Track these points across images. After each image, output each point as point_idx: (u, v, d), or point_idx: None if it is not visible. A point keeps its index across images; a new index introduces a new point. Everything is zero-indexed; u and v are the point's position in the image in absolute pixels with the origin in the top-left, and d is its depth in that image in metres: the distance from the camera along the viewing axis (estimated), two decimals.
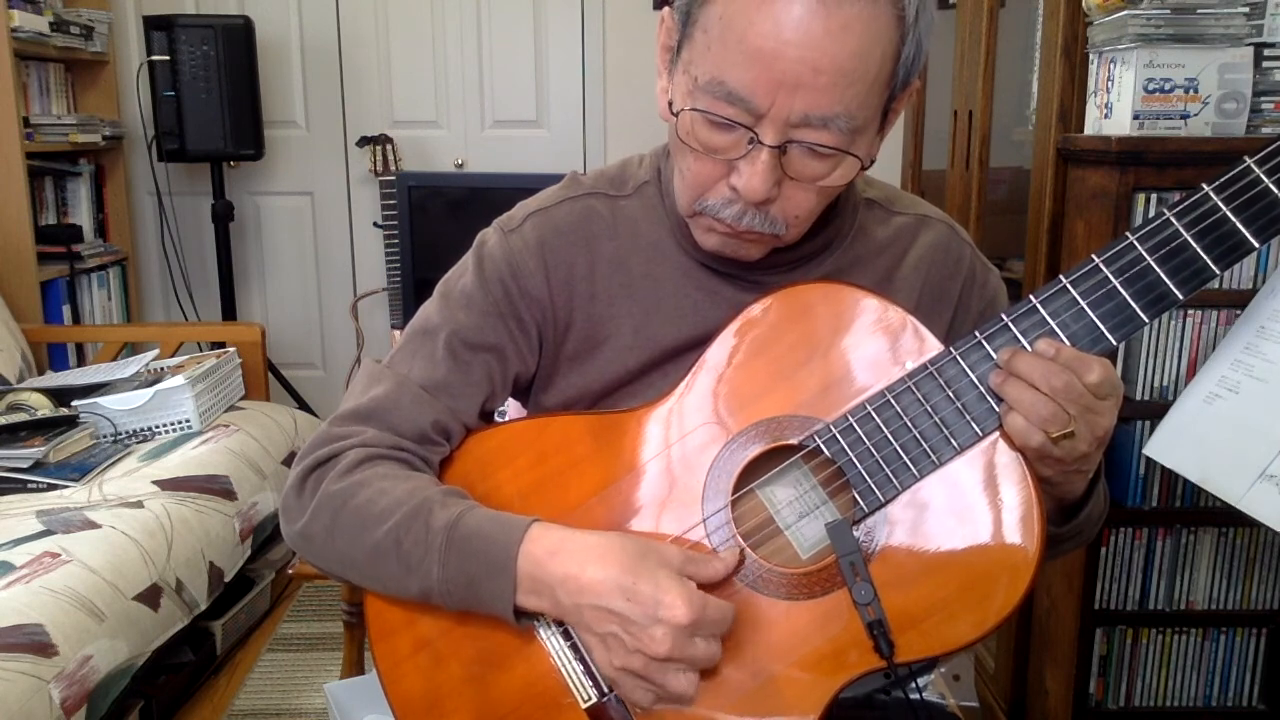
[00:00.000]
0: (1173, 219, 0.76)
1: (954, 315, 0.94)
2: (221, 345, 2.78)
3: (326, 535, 0.85)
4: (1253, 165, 0.75)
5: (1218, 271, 0.76)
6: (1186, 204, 0.76)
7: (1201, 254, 0.76)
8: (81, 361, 2.93)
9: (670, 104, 0.82)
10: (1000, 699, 1.95)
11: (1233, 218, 0.75)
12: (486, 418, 0.94)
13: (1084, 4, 1.62)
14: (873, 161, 0.82)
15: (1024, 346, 0.79)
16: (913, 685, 0.88)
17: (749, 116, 0.76)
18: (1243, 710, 1.71)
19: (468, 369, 0.90)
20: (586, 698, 0.82)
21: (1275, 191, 0.75)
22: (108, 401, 2.34)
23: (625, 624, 0.76)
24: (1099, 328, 0.77)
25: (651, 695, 0.79)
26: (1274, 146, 0.75)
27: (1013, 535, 0.79)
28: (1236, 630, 1.69)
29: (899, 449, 0.80)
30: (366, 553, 0.84)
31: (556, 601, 0.79)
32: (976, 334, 0.80)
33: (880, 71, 0.76)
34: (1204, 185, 0.76)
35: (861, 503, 0.81)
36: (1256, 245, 0.75)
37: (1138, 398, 1.56)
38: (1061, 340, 0.78)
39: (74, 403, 2.32)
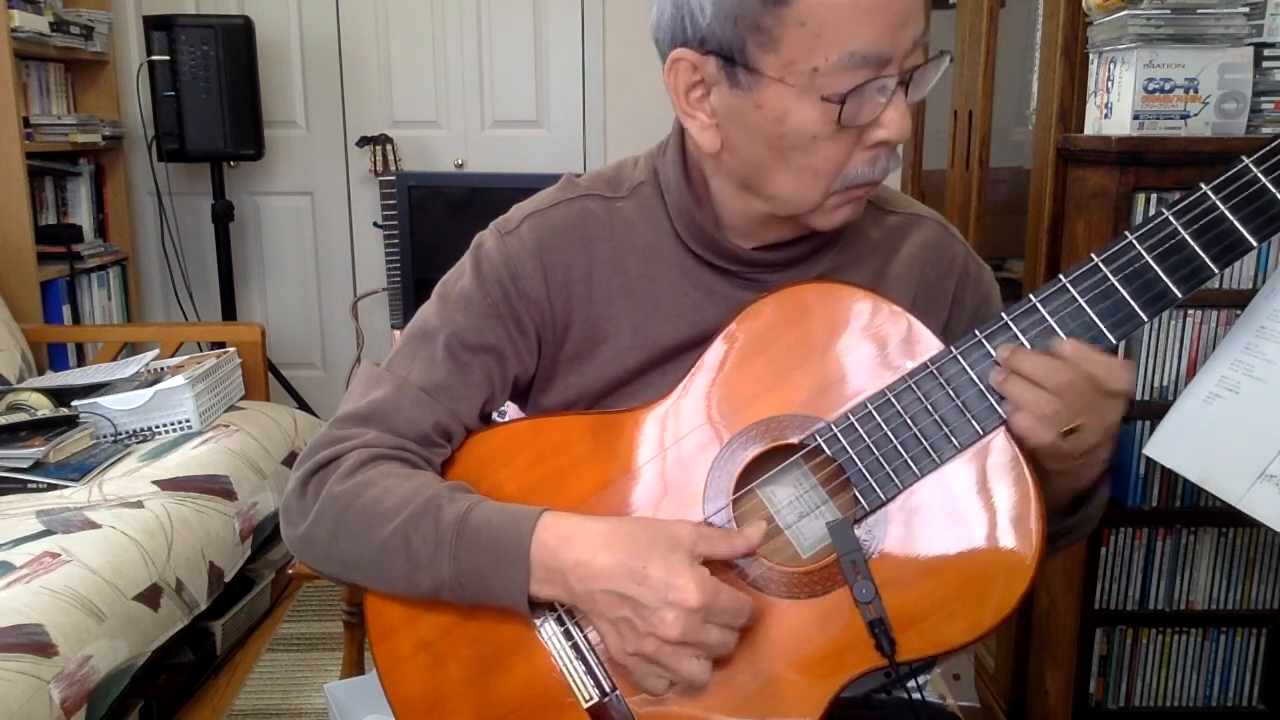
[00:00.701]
0: (1171, 218, 0.77)
1: (949, 313, 0.95)
2: (221, 345, 2.78)
3: (331, 537, 0.85)
4: (1250, 165, 0.75)
5: (1216, 270, 0.77)
6: (1185, 203, 0.77)
7: (1200, 253, 0.76)
8: (81, 361, 2.93)
9: (826, 99, 0.78)
10: (1000, 699, 1.95)
11: (1231, 217, 0.76)
12: (485, 420, 0.94)
13: (1084, 4, 1.62)
14: (951, 57, 0.84)
15: (1024, 345, 0.79)
16: (912, 685, 0.88)
17: (878, 69, 0.77)
18: (1243, 710, 1.71)
19: (467, 371, 0.90)
20: (588, 697, 0.82)
21: (1273, 190, 0.75)
22: (108, 401, 2.34)
23: (636, 608, 0.76)
24: (1098, 326, 0.78)
25: (664, 681, 0.79)
26: (1271, 146, 0.75)
27: (1013, 534, 0.79)
28: (1236, 630, 1.68)
29: (900, 447, 0.80)
30: (373, 552, 0.84)
31: (569, 588, 0.79)
32: (976, 333, 0.80)
33: None
34: (1202, 184, 0.76)
35: (863, 501, 0.81)
36: (1255, 244, 0.76)
37: (1138, 398, 1.56)
38: (1060, 338, 0.78)
39: (74, 403, 2.32)
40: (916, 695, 0.88)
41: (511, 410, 1.05)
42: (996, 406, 0.79)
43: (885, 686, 0.91)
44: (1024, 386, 0.77)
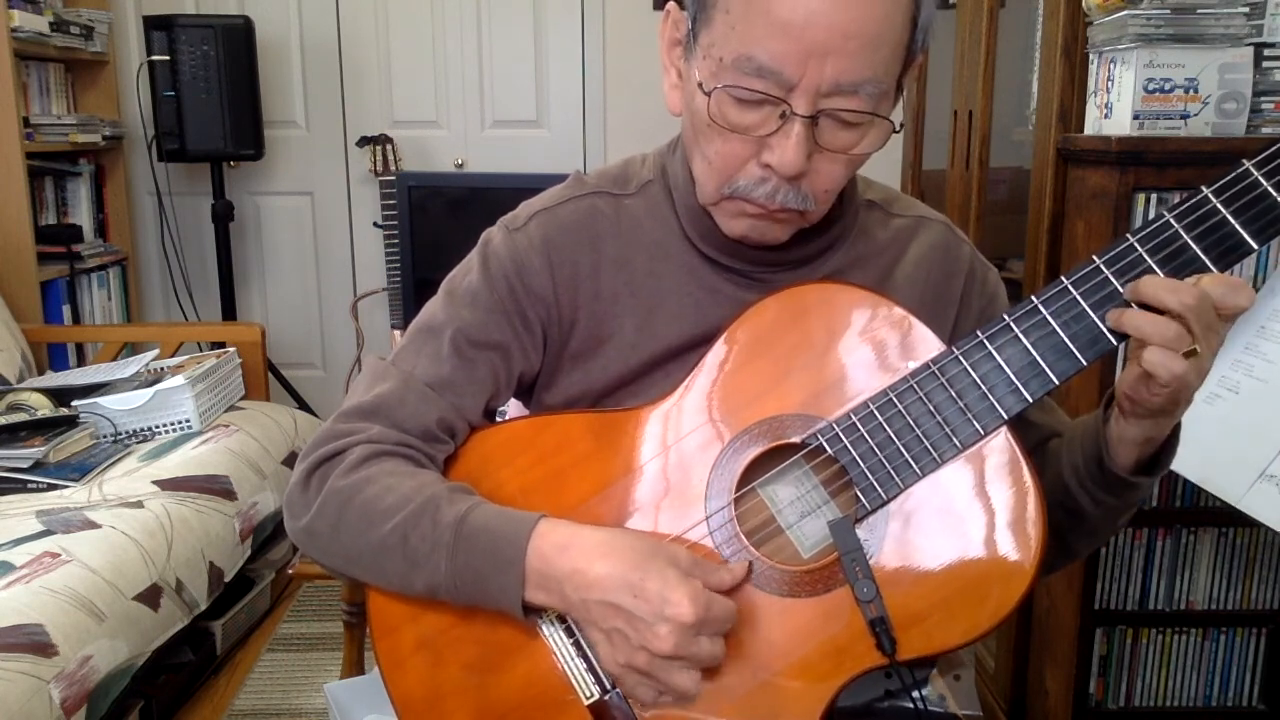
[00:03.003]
0: (1172, 220, 0.77)
1: (957, 314, 0.95)
2: (221, 345, 2.78)
3: (332, 531, 0.86)
4: (1251, 168, 0.76)
5: (1217, 273, 0.77)
6: (1186, 205, 0.77)
7: (1201, 255, 0.76)
8: (81, 361, 2.93)
9: (699, 86, 0.80)
10: (1000, 699, 1.95)
11: (1232, 220, 0.76)
12: (490, 416, 0.94)
13: (1084, 4, 1.62)
14: (903, 126, 0.83)
15: (1026, 347, 0.79)
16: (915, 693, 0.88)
17: (780, 89, 0.76)
18: (1243, 710, 1.72)
19: (472, 366, 0.90)
20: (589, 694, 0.82)
21: (1274, 194, 0.75)
22: (108, 401, 2.34)
23: (631, 620, 0.76)
24: (1099, 327, 0.78)
25: (655, 692, 0.79)
26: (1273, 150, 0.75)
27: (1014, 533, 0.79)
28: (1236, 630, 1.69)
29: (901, 447, 0.80)
30: (372, 548, 0.84)
31: (564, 596, 0.79)
32: (978, 333, 0.80)
33: (902, 35, 0.78)
34: (1203, 188, 0.77)
35: (864, 500, 0.81)
36: (1255, 247, 0.76)
37: None
38: (1066, 342, 0.78)
39: (74, 403, 2.32)
40: (919, 704, 0.88)
41: (512, 408, 1.05)
42: (998, 406, 0.79)
43: (886, 694, 0.91)
44: (1146, 318, 0.74)
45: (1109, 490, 0.85)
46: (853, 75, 0.76)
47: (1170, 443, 0.84)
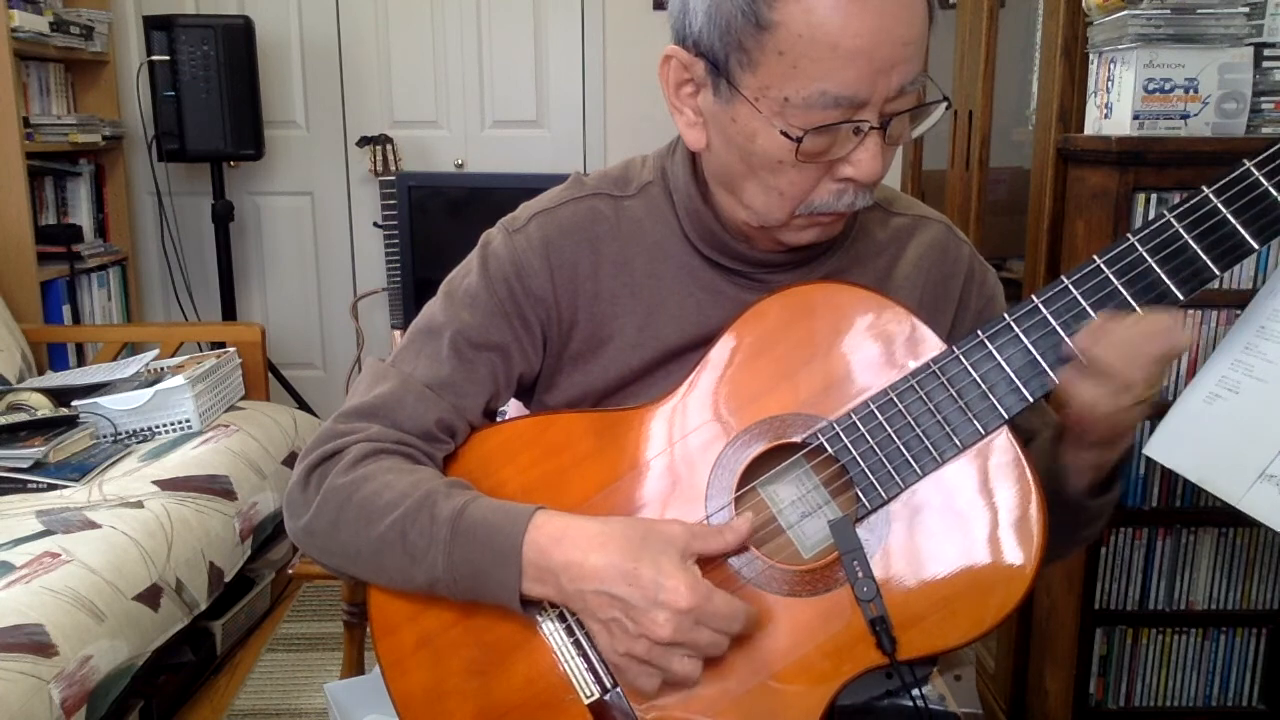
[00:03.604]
0: (1173, 220, 0.77)
1: (955, 314, 0.95)
2: (221, 345, 2.78)
3: (331, 529, 0.86)
4: (1252, 168, 0.76)
5: (1218, 272, 0.77)
6: (1187, 206, 0.77)
7: (1202, 254, 0.76)
8: (81, 361, 2.93)
9: (784, 134, 0.78)
10: (1000, 699, 1.95)
11: (1233, 220, 0.76)
12: (490, 417, 0.94)
13: (1084, 4, 1.62)
14: (950, 103, 0.84)
15: (1027, 346, 0.79)
16: (915, 693, 0.88)
17: (852, 111, 0.77)
18: (1243, 710, 1.71)
19: (472, 367, 0.91)
20: (589, 693, 0.83)
21: (1275, 194, 0.75)
22: (108, 401, 2.34)
23: (627, 609, 0.76)
24: None
25: (656, 680, 0.79)
26: (1273, 150, 0.75)
27: (1014, 532, 0.79)
28: (1236, 630, 1.69)
29: (902, 447, 0.81)
30: (372, 545, 0.84)
31: (560, 588, 0.79)
32: (979, 333, 0.80)
33: (929, 22, 0.79)
34: (1204, 187, 0.77)
35: (864, 500, 0.81)
36: (1256, 247, 0.76)
37: None
38: (1066, 342, 0.78)
39: (74, 403, 2.32)
40: (920, 702, 0.88)
41: (512, 409, 1.05)
42: (998, 406, 0.80)
43: (886, 693, 0.91)
44: (1113, 350, 0.76)
45: (1067, 512, 0.87)
46: (912, 75, 0.78)
47: (1122, 467, 0.87)
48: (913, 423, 0.81)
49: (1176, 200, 0.79)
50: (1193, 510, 1.63)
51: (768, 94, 0.78)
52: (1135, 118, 1.50)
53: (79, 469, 2.11)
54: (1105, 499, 0.88)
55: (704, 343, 0.89)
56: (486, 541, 0.80)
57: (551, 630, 0.84)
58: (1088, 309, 0.78)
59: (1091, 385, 0.77)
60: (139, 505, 1.98)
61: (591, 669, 0.83)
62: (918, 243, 0.95)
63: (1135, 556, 1.65)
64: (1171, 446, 1.25)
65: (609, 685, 0.82)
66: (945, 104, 0.82)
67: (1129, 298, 0.78)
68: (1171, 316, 0.77)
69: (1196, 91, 1.49)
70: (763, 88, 0.78)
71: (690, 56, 0.82)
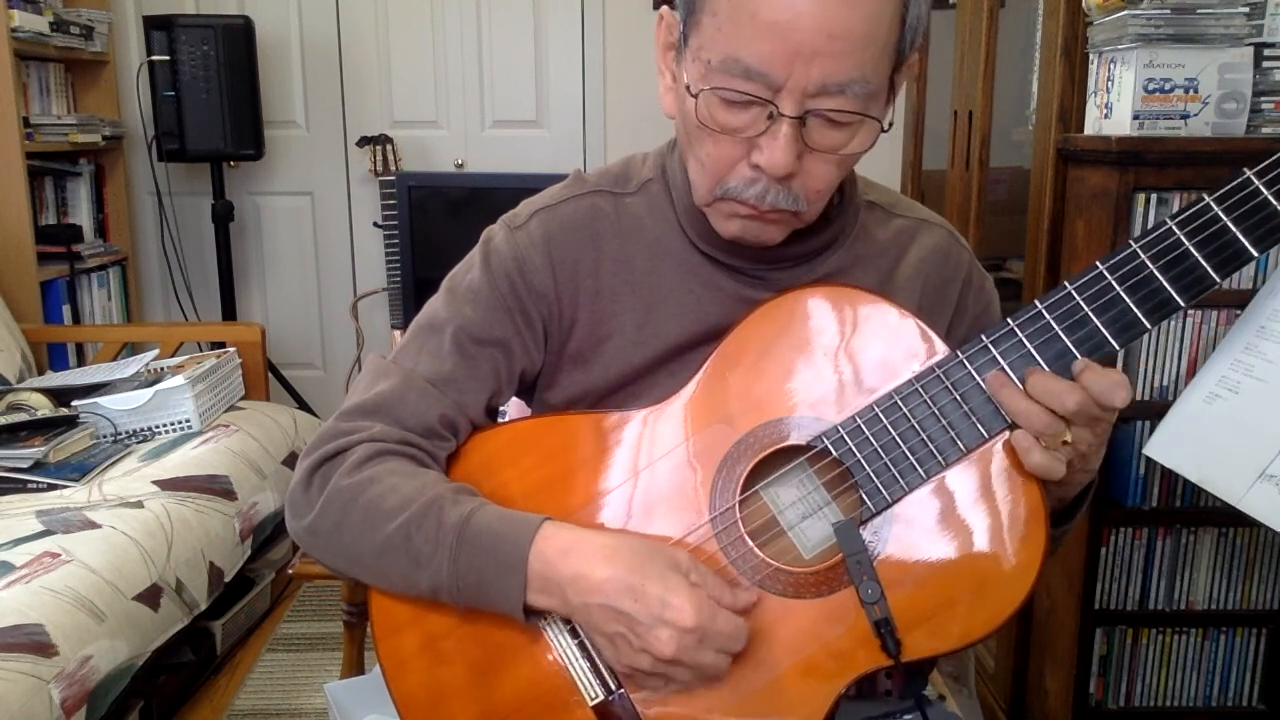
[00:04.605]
0: (1175, 228, 0.77)
1: (952, 319, 0.95)
2: (221, 345, 2.78)
3: (335, 531, 0.85)
4: (1252, 177, 0.76)
5: (1219, 280, 0.77)
6: (1188, 214, 0.77)
7: (1203, 262, 0.77)
8: (81, 361, 2.93)
9: (687, 88, 0.81)
10: (1000, 699, 1.95)
11: (1233, 228, 0.76)
12: (492, 414, 0.94)
13: (1084, 4, 1.62)
14: (892, 125, 0.83)
15: (1030, 352, 0.79)
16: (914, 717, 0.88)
17: (767, 90, 0.76)
18: (1243, 710, 1.72)
19: (474, 363, 0.91)
20: (593, 695, 0.82)
21: (1274, 203, 0.76)
22: (108, 401, 2.34)
23: (632, 624, 0.76)
24: (1102, 333, 0.78)
25: (661, 691, 0.80)
26: (1274, 159, 0.76)
27: (1017, 534, 0.79)
28: (1236, 630, 1.69)
29: (906, 450, 0.81)
30: (375, 549, 0.84)
31: (565, 600, 0.79)
32: (983, 337, 0.81)
33: (889, 35, 0.77)
34: (1205, 195, 0.77)
35: (869, 503, 0.81)
36: (1256, 255, 0.77)
37: (1138, 398, 1.56)
38: (1069, 348, 0.78)
39: (74, 403, 2.32)
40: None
41: (514, 409, 1.05)
42: (1001, 411, 0.80)
43: (885, 714, 0.91)
44: (1025, 404, 0.77)
45: None
46: (839, 75, 0.76)
47: (1081, 498, 0.88)
48: (916, 426, 0.81)
49: (1178, 206, 0.79)
50: (1193, 510, 1.63)
51: (699, 55, 0.79)
52: (1135, 118, 1.50)
53: (79, 469, 2.11)
54: (1064, 528, 0.90)
55: (705, 340, 0.89)
56: (492, 550, 0.80)
57: (555, 633, 0.84)
58: (1090, 314, 0.78)
59: (1042, 454, 0.78)
60: (139, 505, 1.98)
61: (596, 671, 0.83)
62: (919, 246, 0.95)
63: (1135, 556, 1.65)
64: (1171, 446, 1.25)
65: (613, 687, 0.82)
66: (879, 126, 0.80)
67: (1131, 304, 0.78)
68: (1107, 378, 0.77)
69: (1196, 91, 1.49)
70: (697, 49, 0.79)
71: (673, 16, 0.84)
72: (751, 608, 0.81)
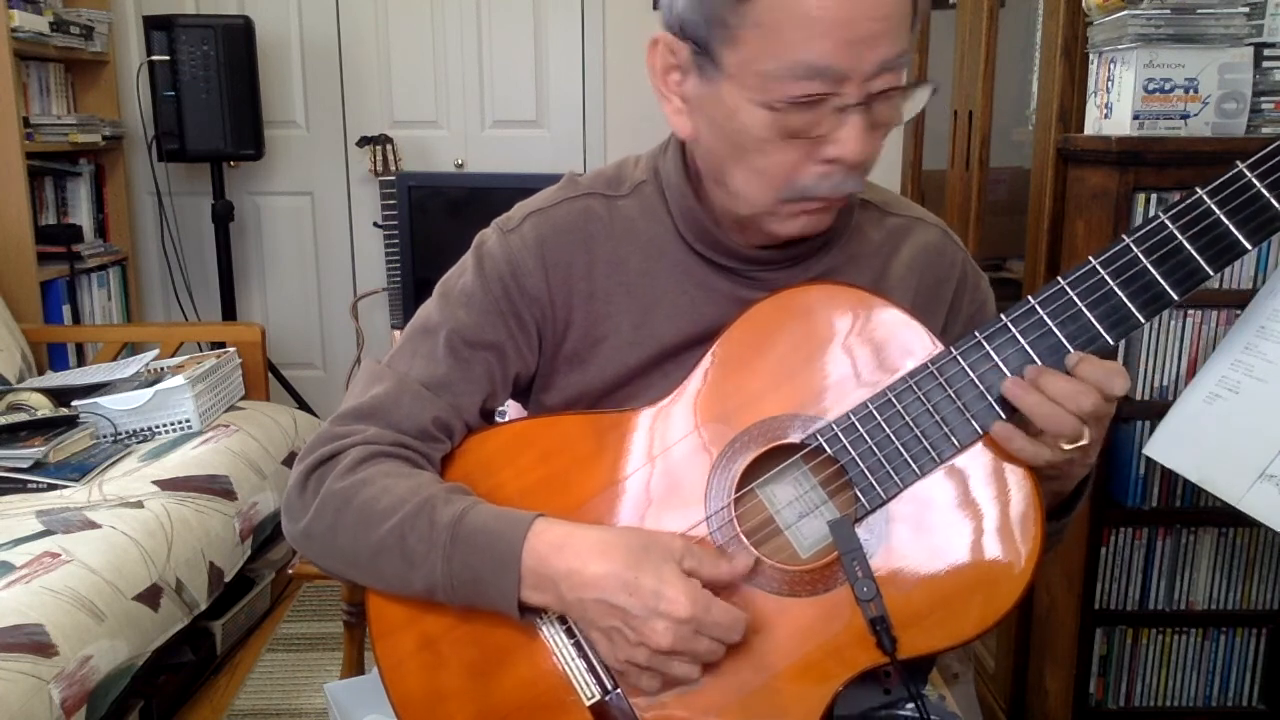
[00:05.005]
0: (1167, 222, 0.77)
1: (946, 317, 0.95)
2: (221, 345, 2.78)
3: (329, 533, 0.86)
4: (1245, 170, 0.76)
5: (1211, 273, 0.77)
6: (1180, 207, 0.77)
7: (1196, 255, 0.77)
8: (81, 361, 2.93)
9: (753, 104, 0.78)
10: (1000, 699, 1.95)
11: (1226, 220, 0.76)
12: (487, 418, 0.94)
13: (1084, 4, 1.62)
14: (936, 90, 0.84)
15: (1024, 347, 0.79)
16: (913, 709, 0.88)
17: (833, 84, 0.77)
18: (1243, 710, 1.71)
19: (468, 366, 0.91)
20: (590, 695, 0.82)
21: (1267, 195, 0.76)
22: (108, 401, 2.34)
23: (627, 618, 0.77)
24: (1096, 328, 0.78)
25: (657, 685, 0.80)
26: (1266, 152, 0.76)
27: (1013, 531, 0.79)
28: (1236, 630, 1.69)
29: (900, 447, 0.81)
30: (370, 550, 0.84)
31: (560, 596, 0.79)
32: (976, 334, 0.81)
33: (915, 4, 0.79)
34: (1198, 188, 0.77)
35: (863, 500, 0.81)
36: (1249, 247, 0.76)
37: (1138, 398, 1.56)
38: (1063, 343, 0.78)
39: (74, 403, 2.32)
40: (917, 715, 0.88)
41: (512, 409, 1.05)
42: (996, 406, 0.80)
43: (883, 705, 0.91)
44: (1043, 405, 0.77)
45: None
46: (893, 52, 0.77)
47: (1079, 492, 0.88)
48: (911, 423, 0.81)
49: (1171, 201, 0.79)
50: (1193, 510, 1.63)
51: (749, 69, 0.78)
52: (1135, 118, 1.50)
53: (79, 469, 2.11)
54: (1063, 522, 0.90)
55: (700, 340, 0.89)
56: (486, 548, 0.80)
57: (551, 632, 0.84)
58: (1083, 309, 0.78)
59: (1027, 442, 0.78)
60: (139, 505, 1.98)
61: (592, 670, 0.83)
62: (912, 244, 0.95)
63: (1135, 556, 1.65)
64: (1171, 446, 1.25)
65: (610, 687, 0.82)
66: (931, 87, 0.81)
67: (1124, 298, 0.78)
68: (1102, 366, 0.77)
69: (1196, 91, 1.49)
70: (744, 63, 0.78)
71: (676, 40, 0.82)
72: (747, 570, 0.81)
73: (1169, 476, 1.61)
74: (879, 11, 0.74)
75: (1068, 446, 0.77)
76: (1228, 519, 1.62)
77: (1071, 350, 0.78)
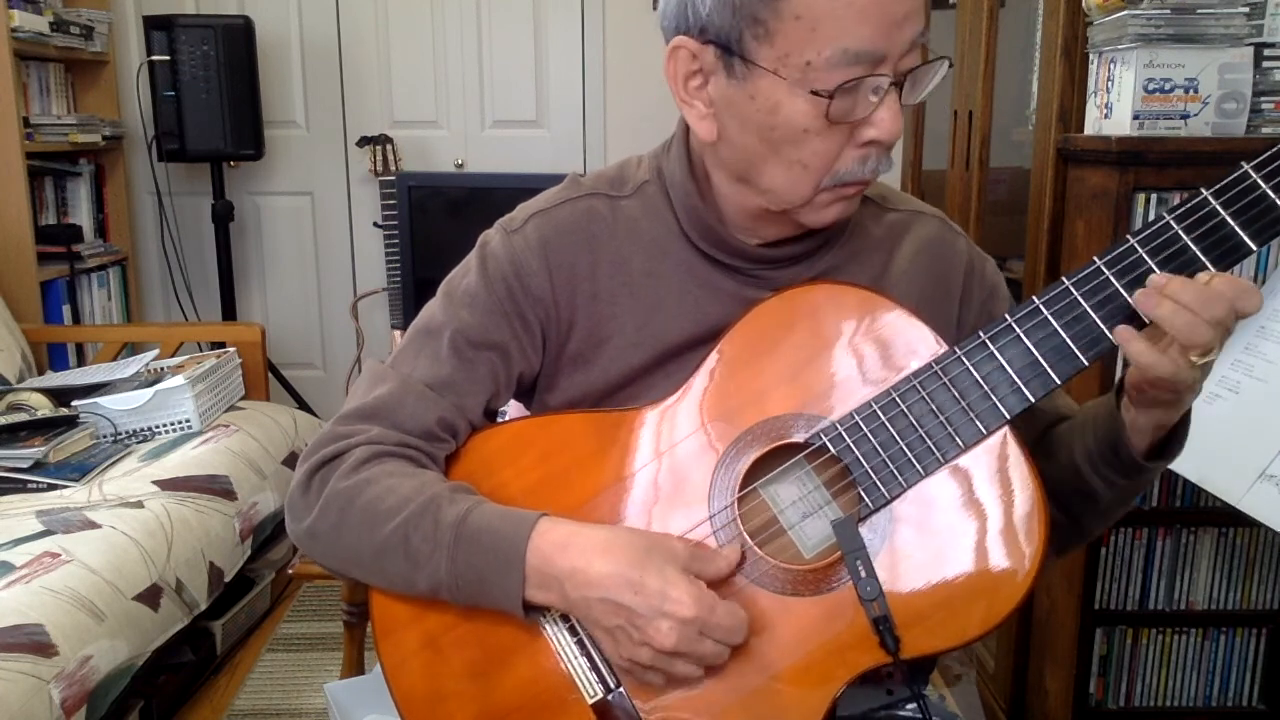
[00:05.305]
0: (1172, 222, 0.77)
1: (959, 307, 0.95)
2: (221, 345, 2.78)
3: (334, 532, 0.86)
4: (1250, 170, 0.76)
5: (1228, 276, 0.77)
6: (1186, 208, 0.77)
7: (1200, 256, 0.77)
8: (81, 361, 2.93)
9: (812, 92, 0.78)
10: (1000, 699, 1.95)
11: (1231, 221, 0.76)
12: (490, 418, 0.94)
13: (1084, 4, 1.62)
14: (952, 64, 0.84)
15: (1028, 347, 0.79)
16: (914, 708, 0.88)
17: (871, 67, 0.77)
18: (1243, 710, 1.72)
19: (472, 366, 0.91)
20: (592, 693, 0.83)
21: (1272, 196, 0.75)
22: (108, 401, 2.34)
23: (632, 617, 0.77)
24: (1100, 328, 0.78)
25: (660, 685, 0.80)
26: (1271, 152, 0.76)
27: (1017, 530, 0.79)
28: (1236, 630, 1.69)
29: (904, 447, 0.81)
30: (374, 549, 0.84)
31: (564, 595, 0.79)
32: (980, 334, 0.81)
33: None
34: (1203, 189, 0.77)
35: (867, 500, 0.81)
36: (1255, 248, 0.76)
37: None
38: (1067, 343, 0.78)
39: (74, 403, 2.32)
40: (919, 715, 0.88)
41: (513, 410, 1.05)
42: (1000, 406, 0.80)
43: (885, 705, 0.91)
44: (1181, 314, 0.74)
45: (1122, 473, 0.86)
46: (920, 27, 0.78)
47: (1181, 428, 0.85)
48: (915, 423, 0.81)
49: (1176, 202, 0.79)
50: (1193, 510, 1.63)
51: (788, 61, 0.78)
52: (1135, 118, 1.50)
53: (79, 469, 2.11)
54: (1159, 464, 0.86)
55: (703, 340, 0.89)
56: (490, 547, 0.80)
57: (554, 631, 0.84)
58: (1088, 309, 0.78)
59: (1149, 348, 0.75)
60: (139, 505, 1.98)
61: (595, 669, 0.83)
62: (913, 238, 0.95)
63: (1135, 556, 1.65)
64: None
65: (612, 685, 0.82)
66: (947, 61, 0.82)
67: (1129, 300, 0.78)
68: (1235, 281, 0.74)
69: (1196, 91, 1.49)
70: (782, 56, 0.78)
71: (698, 44, 0.82)
72: (737, 557, 0.81)
73: (1169, 476, 1.61)
74: None
75: (1198, 360, 0.74)
76: (1228, 519, 1.62)
77: (1077, 351, 0.78)
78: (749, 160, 0.85)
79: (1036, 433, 0.94)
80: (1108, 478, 0.87)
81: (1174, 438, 0.85)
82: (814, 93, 0.77)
